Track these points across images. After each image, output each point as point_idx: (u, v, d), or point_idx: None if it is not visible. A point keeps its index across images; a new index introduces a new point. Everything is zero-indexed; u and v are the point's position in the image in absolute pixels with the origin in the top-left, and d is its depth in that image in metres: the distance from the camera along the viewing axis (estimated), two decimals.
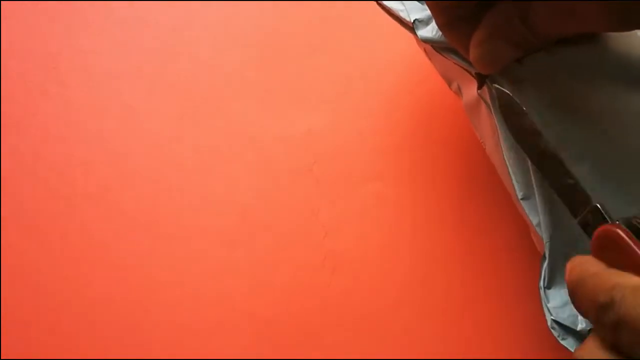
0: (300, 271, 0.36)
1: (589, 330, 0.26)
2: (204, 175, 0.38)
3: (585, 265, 0.23)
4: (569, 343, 0.27)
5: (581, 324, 0.27)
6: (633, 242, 0.21)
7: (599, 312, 0.21)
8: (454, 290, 0.36)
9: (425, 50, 0.33)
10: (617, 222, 0.22)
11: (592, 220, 0.23)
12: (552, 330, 0.28)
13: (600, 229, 0.22)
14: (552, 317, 0.28)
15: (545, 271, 0.28)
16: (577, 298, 0.23)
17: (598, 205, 0.23)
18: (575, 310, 0.25)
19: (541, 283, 0.28)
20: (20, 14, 0.40)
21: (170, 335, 0.36)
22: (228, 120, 0.38)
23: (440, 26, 0.27)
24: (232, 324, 0.36)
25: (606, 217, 0.23)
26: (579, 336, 0.27)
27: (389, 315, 0.36)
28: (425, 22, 0.31)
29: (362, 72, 0.39)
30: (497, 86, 0.27)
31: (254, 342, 0.36)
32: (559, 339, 0.27)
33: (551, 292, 0.28)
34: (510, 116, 0.26)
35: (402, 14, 0.32)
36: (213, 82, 0.39)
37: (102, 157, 0.38)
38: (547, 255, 0.28)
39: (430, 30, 0.30)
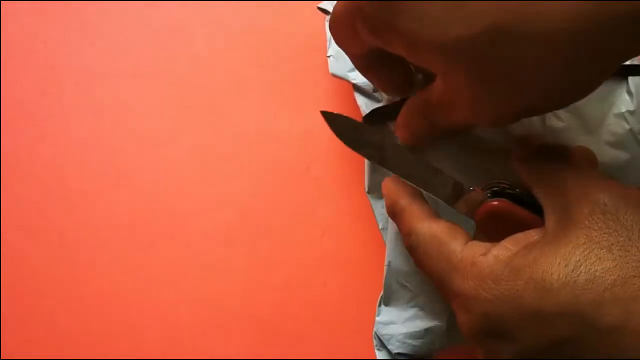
0: (298, 271, 0.36)
1: (397, 353, 0.30)
2: (201, 175, 0.38)
3: (397, 198, 0.26)
4: (381, 354, 0.31)
5: (392, 344, 0.30)
6: (516, 209, 0.24)
7: (409, 249, 0.25)
8: None
9: None
10: (489, 195, 0.25)
11: (458, 193, 0.25)
12: (374, 339, 0.31)
13: (485, 207, 0.25)
14: (375, 330, 0.31)
15: (383, 290, 0.31)
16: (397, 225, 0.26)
17: (460, 181, 0.26)
18: (394, 335, 0.30)
19: (379, 299, 0.32)
20: (18, 13, 0.40)
21: (167, 334, 0.36)
22: (225, 120, 0.38)
23: (358, 67, 0.28)
24: (229, 323, 0.36)
25: (469, 188, 0.25)
26: (389, 354, 0.31)
27: None
28: (336, 58, 0.33)
29: None
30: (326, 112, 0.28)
31: (251, 341, 0.36)
32: (375, 347, 0.31)
33: (383, 309, 0.31)
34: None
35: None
36: (210, 82, 0.39)
37: (99, 157, 0.38)
38: (385, 278, 0.31)
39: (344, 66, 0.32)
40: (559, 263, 0.20)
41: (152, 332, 0.36)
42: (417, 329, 0.29)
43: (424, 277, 0.28)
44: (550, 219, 0.22)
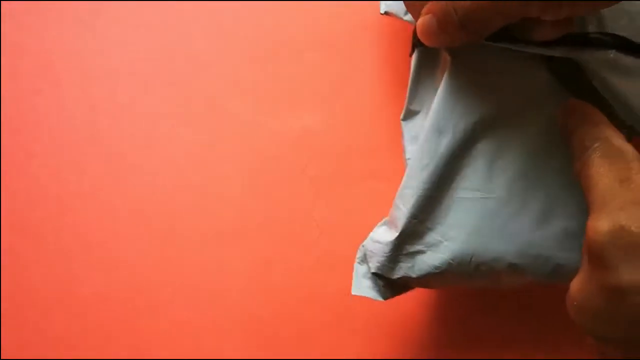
0: (295, 271, 0.36)
1: (373, 273, 0.30)
2: (198, 175, 0.38)
3: (590, 111, 0.26)
4: (358, 269, 0.31)
5: (372, 263, 0.30)
6: None
7: (580, 151, 0.25)
8: (454, 288, 0.36)
9: None
10: None
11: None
12: (359, 251, 0.31)
13: None
14: (364, 243, 0.31)
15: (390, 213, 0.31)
16: (575, 135, 0.26)
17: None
18: (379, 254, 0.29)
19: (383, 220, 0.32)
20: (14, 13, 0.40)
21: (166, 335, 0.36)
22: (222, 119, 0.38)
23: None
24: (227, 323, 0.36)
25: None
26: (368, 271, 0.30)
27: (383, 315, 0.36)
28: None
29: (356, 70, 0.38)
30: None
31: (249, 342, 0.36)
32: (357, 260, 0.31)
33: (379, 228, 0.31)
34: None
35: None
36: (207, 81, 0.39)
37: (96, 156, 0.38)
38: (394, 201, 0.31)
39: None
40: None
41: (151, 332, 0.36)
42: (398, 253, 0.29)
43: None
44: None
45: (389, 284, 0.30)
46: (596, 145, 0.25)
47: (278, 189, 0.37)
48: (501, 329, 0.35)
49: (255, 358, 0.35)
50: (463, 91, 0.29)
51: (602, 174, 0.24)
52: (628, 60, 0.29)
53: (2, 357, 0.36)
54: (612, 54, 0.28)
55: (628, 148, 0.24)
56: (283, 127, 0.38)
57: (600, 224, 0.22)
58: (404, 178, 0.30)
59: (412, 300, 0.36)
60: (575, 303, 0.23)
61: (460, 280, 0.29)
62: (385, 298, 0.30)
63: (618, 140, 0.25)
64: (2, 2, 0.40)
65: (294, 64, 0.39)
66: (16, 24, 0.40)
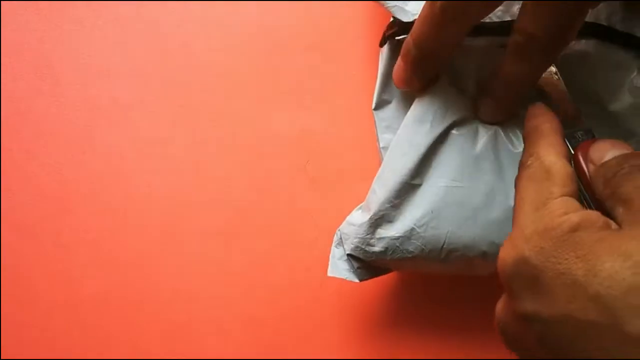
0: (295, 271, 0.36)
1: (348, 254, 0.31)
2: (197, 175, 0.38)
3: (542, 120, 0.26)
4: (334, 252, 0.32)
5: (347, 245, 0.31)
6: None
7: (519, 165, 0.26)
8: (449, 287, 0.36)
9: None
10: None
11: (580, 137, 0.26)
12: (335, 234, 0.32)
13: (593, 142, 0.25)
14: (340, 227, 0.32)
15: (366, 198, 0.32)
16: (524, 138, 0.27)
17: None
18: (352, 235, 0.30)
19: (359, 205, 0.32)
20: (14, 13, 0.40)
21: (166, 335, 0.36)
22: (222, 119, 0.38)
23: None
24: (226, 323, 0.36)
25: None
26: (344, 253, 0.31)
27: (383, 316, 0.36)
28: None
29: (356, 70, 0.38)
30: None
31: (247, 342, 0.36)
32: (334, 243, 0.32)
33: (355, 213, 0.32)
34: None
35: None
36: (207, 81, 0.39)
37: (95, 156, 0.38)
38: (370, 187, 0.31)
39: None
40: (618, 255, 0.20)
41: (150, 332, 0.36)
42: (370, 235, 0.30)
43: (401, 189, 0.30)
44: (625, 214, 0.22)
45: (365, 265, 0.31)
46: (529, 162, 0.25)
47: (278, 188, 0.37)
48: None
49: (255, 358, 0.35)
50: (439, 92, 0.30)
51: (524, 199, 0.24)
52: (607, 49, 0.29)
53: (2, 357, 0.36)
54: (591, 43, 0.29)
55: (558, 168, 0.24)
56: (283, 127, 0.38)
57: (507, 255, 0.23)
58: (382, 164, 0.31)
59: (409, 302, 0.36)
60: (500, 324, 0.24)
61: (434, 265, 0.30)
62: (360, 279, 0.31)
63: (549, 159, 0.24)
64: (2, 2, 0.40)
65: (293, 63, 0.39)
66: (16, 24, 0.40)
